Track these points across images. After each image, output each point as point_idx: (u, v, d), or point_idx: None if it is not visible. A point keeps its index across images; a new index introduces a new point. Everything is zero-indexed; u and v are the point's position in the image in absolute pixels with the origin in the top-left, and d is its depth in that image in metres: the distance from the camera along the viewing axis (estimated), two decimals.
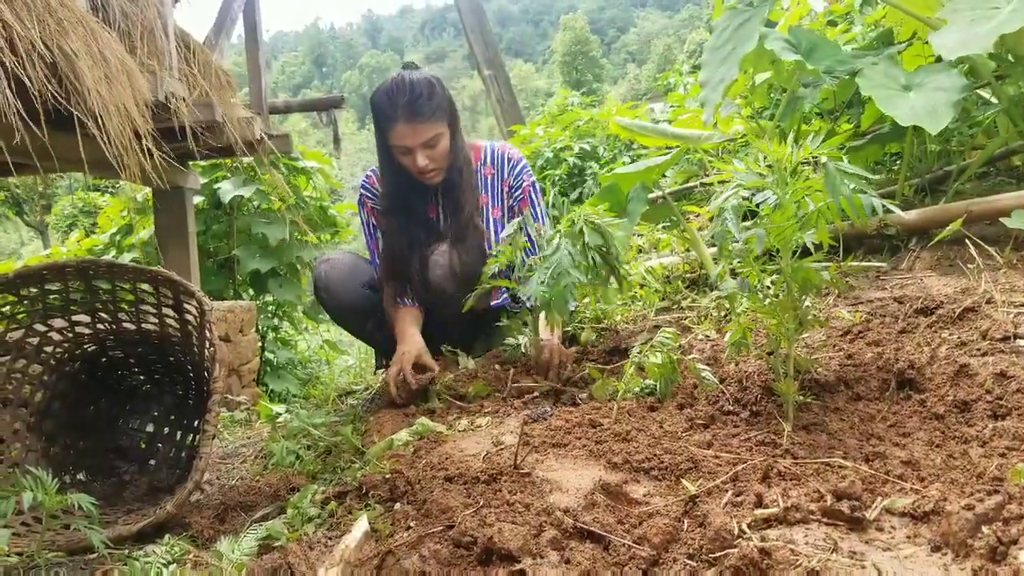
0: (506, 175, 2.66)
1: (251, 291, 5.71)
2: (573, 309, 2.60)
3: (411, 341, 2.40)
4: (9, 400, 1.93)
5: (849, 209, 1.40)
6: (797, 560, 1.00)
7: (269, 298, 5.73)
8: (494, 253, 2.27)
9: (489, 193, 2.65)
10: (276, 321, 5.88)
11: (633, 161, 2.86)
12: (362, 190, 2.65)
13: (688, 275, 2.79)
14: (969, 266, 2.13)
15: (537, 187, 2.68)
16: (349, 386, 3.91)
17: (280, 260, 5.39)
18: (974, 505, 1.01)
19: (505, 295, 2.56)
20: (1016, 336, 1.67)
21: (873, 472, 1.26)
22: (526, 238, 2.44)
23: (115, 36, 3.09)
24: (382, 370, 3.03)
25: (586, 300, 2.63)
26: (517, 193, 2.65)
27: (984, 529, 0.97)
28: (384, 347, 2.77)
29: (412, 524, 1.31)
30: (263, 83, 5.03)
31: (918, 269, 2.27)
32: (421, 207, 2.59)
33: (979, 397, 1.48)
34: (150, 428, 2.26)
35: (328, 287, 2.61)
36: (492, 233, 2.59)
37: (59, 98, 2.61)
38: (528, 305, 2.32)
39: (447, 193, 2.57)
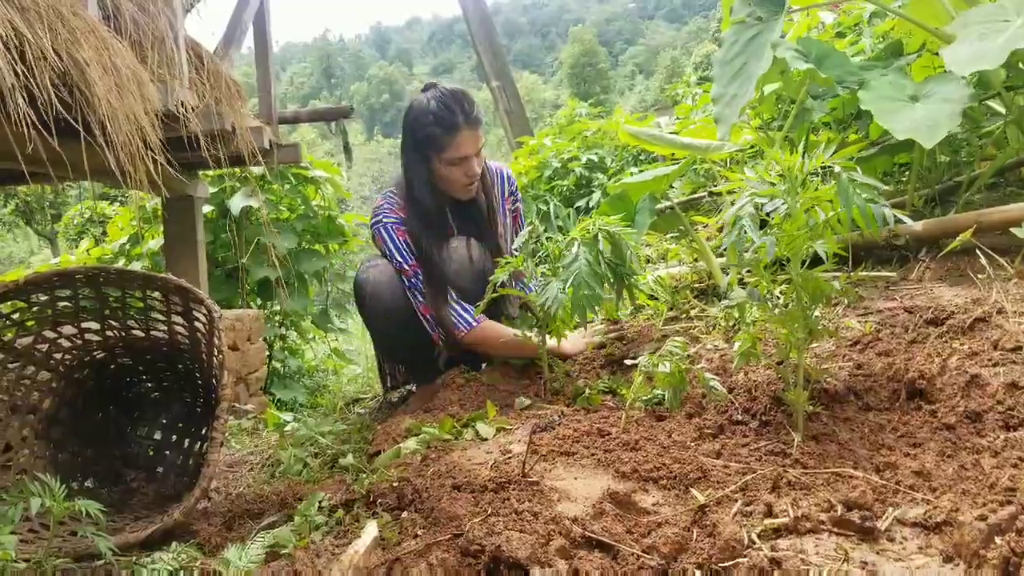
0: (506, 193, 2.74)
1: (258, 300, 5.71)
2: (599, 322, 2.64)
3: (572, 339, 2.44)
4: (18, 407, 1.93)
5: (860, 219, 1.40)
6: (808, 570, 1.00)
7: (276, 307, 5.73)
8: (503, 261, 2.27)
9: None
10: (283, 330, 5.88)
11: (641, 172, 2.86)
12: (391, 216, 2.57)
13: (696, 285, 2.78)
14: (979, 276, 2.11)
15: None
16: (356, 395, 3.91)
17: (289, 270, 5.40)
18: (987, 516, 1.01)
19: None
20: None
21: (884, 482, 1.25)
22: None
23: (126, 45, 3.10)
24: (395, 390, 3.02)
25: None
26: (513, 208, 2.75)
27: (997, 540, 0.97)
28: (416, 359, 2.73)
29: (420, 532, 1.30)
30: (272, 93, 5.05)
31: (928, 279, 2.26)
32: (447, 223, 2.63)
33: (990, 408, 1.47)
34: (158, 436, 2.26)
35: (376, 293, 2.58)
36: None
37: (69, 107, 2.63)
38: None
39: (468, 209, 2.60)
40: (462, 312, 2.48)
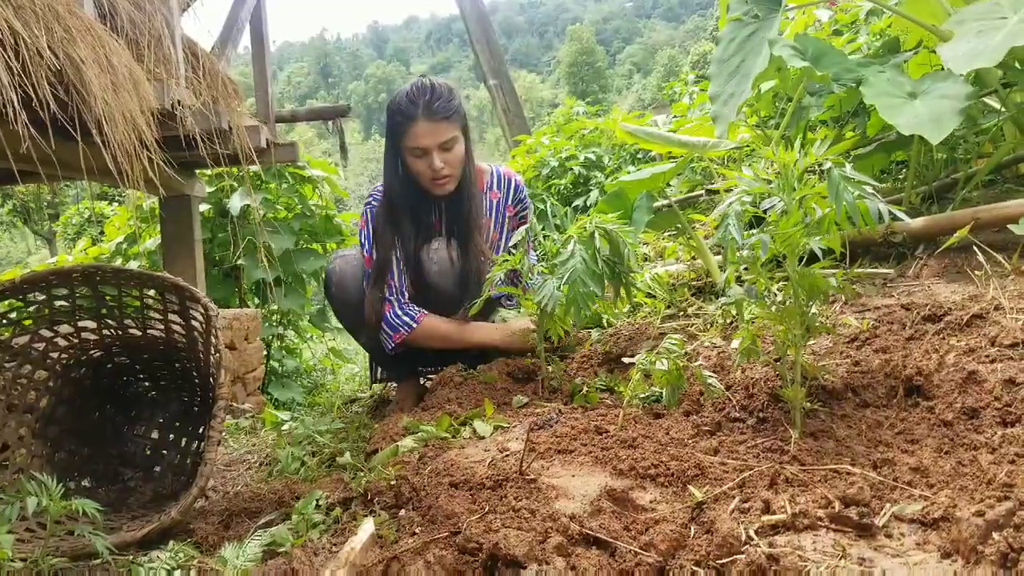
0: (511, 201, 2.72)
1: (256, 299, 5.71)
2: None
3: (507, 325, 2.46)
4: (15, 406, 1.93)
5: (845, 216, 1.39)
6: (806, 566, 0.99)
7: (274, 306, 5.73)
8: (496, 261, 2.26)
9: (492, 216, 2.68)
10: (281, 330, 5.88)
11: (638, 170, 2.86)
12: (377, 201, 2.59)
13: (694, 283, 2.78)
14: (977, 273, 2.12)
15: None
16: (354, 394, 3.91)
17: (285, 269, 5.40)
18: (985, 511, 1.00)
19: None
20: None
21: (881, 479, 1.25)
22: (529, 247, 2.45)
23: (122, 44, 3.10)
24: (379, 384, 3.02)
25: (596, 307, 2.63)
26: (522, 215, 2.74)
27: (995, 536, 0.96)
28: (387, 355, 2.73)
29: (417, 530, 1.30)
30: (269, 92, 5.05)
31: (925, 276, 2.26)
32: (426, 220, 2.59)
33: (988, 404, 1.47)
34: (155, 435, 2.25)
35: (342, 283, 2.58)
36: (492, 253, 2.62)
37: (65, 105, 2.62)
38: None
39: (453, 208, 2.57)
40: (402, 315, 2.48)
